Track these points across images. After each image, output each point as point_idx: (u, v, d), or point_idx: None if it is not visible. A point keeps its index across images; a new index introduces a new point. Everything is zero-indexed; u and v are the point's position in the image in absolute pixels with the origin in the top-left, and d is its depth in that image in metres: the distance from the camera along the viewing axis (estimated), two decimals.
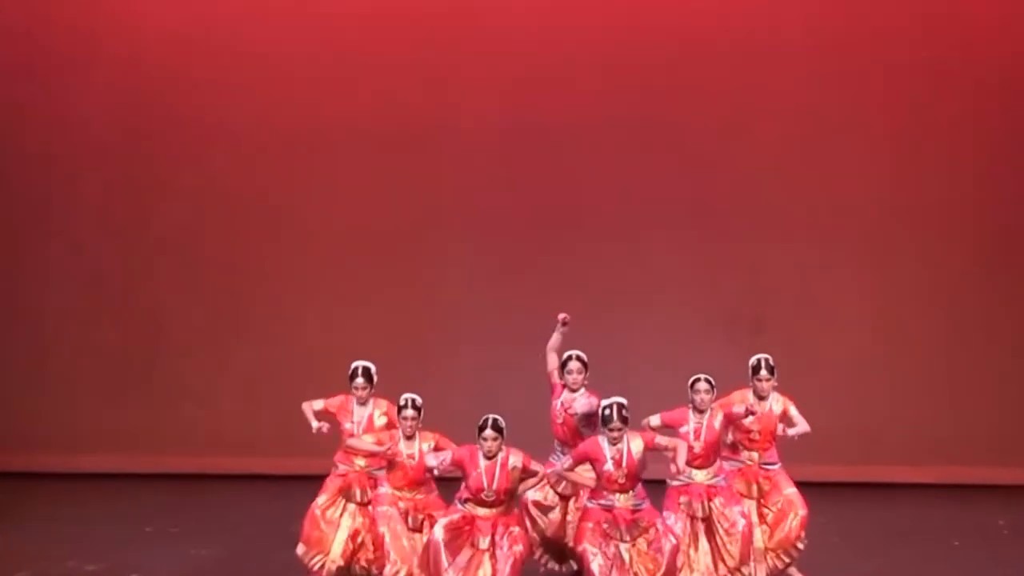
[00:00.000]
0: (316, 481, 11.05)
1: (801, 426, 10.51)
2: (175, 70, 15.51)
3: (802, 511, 10.51)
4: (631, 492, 9.85)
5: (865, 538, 12.84)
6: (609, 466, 9.73)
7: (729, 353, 11.81)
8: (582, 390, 10.61)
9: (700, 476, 10.29)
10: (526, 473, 9.93)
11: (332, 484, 10.88)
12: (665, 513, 10.16)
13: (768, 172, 15.47)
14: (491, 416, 9.89)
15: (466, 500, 9.95)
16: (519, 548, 9.87)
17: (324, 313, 15.57)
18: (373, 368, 10.80)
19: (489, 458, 9.81)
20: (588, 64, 15.46)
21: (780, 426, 10.47)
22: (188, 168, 15.71)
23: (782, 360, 10.73)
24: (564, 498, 10.78)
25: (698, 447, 10.15)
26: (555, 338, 10.68)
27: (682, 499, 10.24)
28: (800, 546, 10.56)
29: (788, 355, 11.24)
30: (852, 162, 15.45)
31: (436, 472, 10.15)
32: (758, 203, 15.45)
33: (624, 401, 9.91)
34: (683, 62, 15.41)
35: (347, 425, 10.77)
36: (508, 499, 9.96)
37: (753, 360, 10.64)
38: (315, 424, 10.73)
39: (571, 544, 10.45)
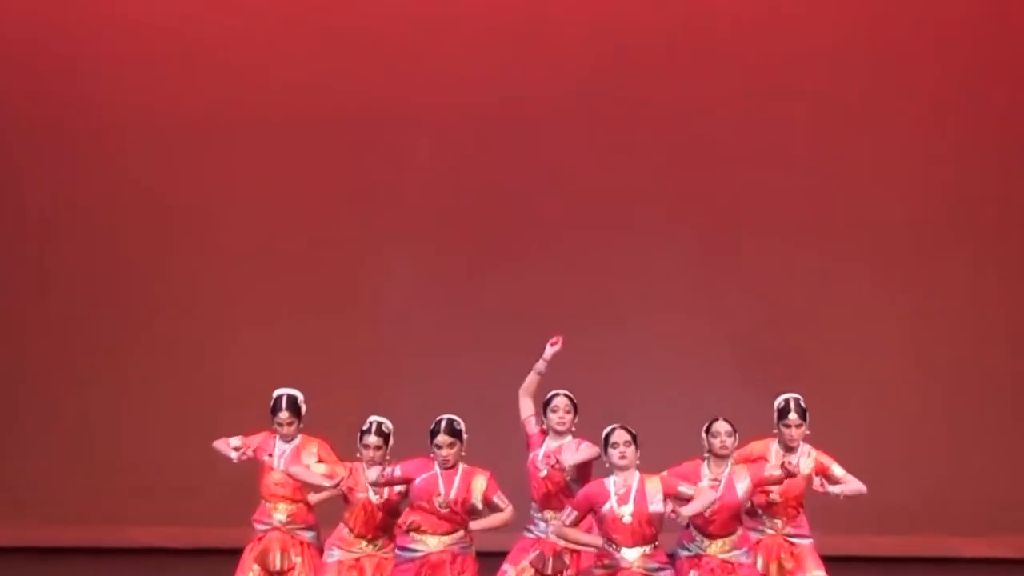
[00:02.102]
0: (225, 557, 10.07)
1: (852, 484, 9.48)
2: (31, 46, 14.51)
3: None
4: (645, 549, 8.68)
5: None
6: (612, 503, 8.67)
7: (743, 392, 11.22)
8: (569, 437, 9.43)
9: (714, 548, 9.05)
10: (487, 504, 9.04)
11: (249, 557, 9.69)
12: None
13: (791, 172, 14.43)
14: (445, 417, 9.12)
15: (412, 527, 9.04)
16: None
17: (235, 336, 14.38)
18: (300, 398, 9.79)
19: (446, 468, 9.02)
20: (573, 35, 14.46)
21: (817, 479, 9.42)
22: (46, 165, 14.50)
23: (808, 403, 9.73)
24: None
25: (709, 511, 8.99)
26: (532, 379, 9.58)
27: (694, 574, 9.03)
28: None
29: (815, 396, 10.16)
30: (892, 160, 14.43)
31: (377, 491, 9.18)
32: (778, 209, 14.43)
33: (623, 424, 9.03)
34: (693, 33, 14.47)
35: (266, 458, 9.72)
36: (464, 522, 9.04)
37: (779, 401, 9.55)
38: (234, 455, 9.78)
39: None
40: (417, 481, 8.96)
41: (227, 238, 14.41)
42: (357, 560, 9.25)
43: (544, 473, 9.37)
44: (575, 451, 9.28)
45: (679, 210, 14.30)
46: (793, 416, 9.39)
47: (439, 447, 9.00)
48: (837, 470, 9.43)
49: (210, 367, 14.25)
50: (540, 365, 9.49)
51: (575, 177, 14.37)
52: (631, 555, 8.66)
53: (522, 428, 9.53)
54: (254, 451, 9.72)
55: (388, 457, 9.23)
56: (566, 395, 9.44)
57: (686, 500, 8.67)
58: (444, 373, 13.95)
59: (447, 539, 9.00)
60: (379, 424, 9.28)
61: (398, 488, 9.13)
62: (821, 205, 14.33)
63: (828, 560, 9.60)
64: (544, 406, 9.46)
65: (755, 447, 9.49)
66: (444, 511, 8.94)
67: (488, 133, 14.36)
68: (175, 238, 14.47)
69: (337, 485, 9.26)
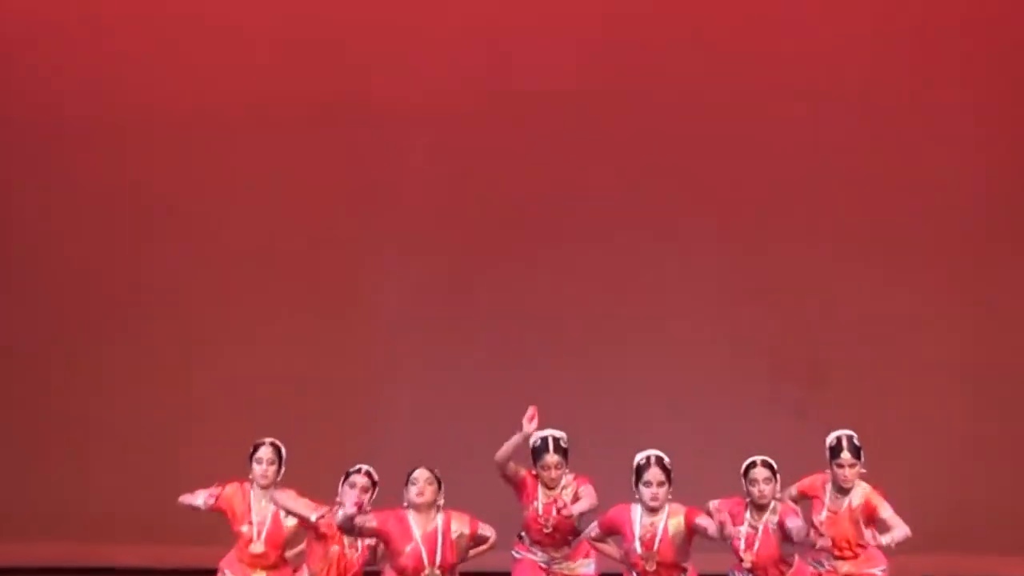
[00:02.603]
0: None
1: (899, 530, 9.04)
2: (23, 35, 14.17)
3: None
4: None
5: None
6: (636, 545, 8.59)
7: (774, 414, 10.96)
8: (565, 480, 9.19)
9: None
10: (474, 540, 8.68)
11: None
12: None
13: (826, 166, 13.87)
14: (420, 469, 8.71)
15: None
16: None
17: (222, 346, 13.82)
18: (282, 448, 9.43)
19: (419, 514, 8.59)
20: (577, 31, 14.01)
21: (869, 533, 9.15)
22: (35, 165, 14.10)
23: (849, 424, 9.50)
24: None
25: (748, 560, 8.77)
26: (507, 450, 9.20)
27: None
28: None
29: (856, 416, 9.92)
30: (931, 163, 13.79)
31: (352, 544, 8.85)
32: (812, 208, 13.88)
33: (660, 453, 8.85)
34: (712, 29, 13.97)
35: (243, 528, 9.28)
36: (455, 572, 8.75)
37: (831, 439, 9.27)
38: (200, 501, 9.35)
39: None
40: (405, 552, 8.53)
41: (221, 238, 13.96)
42: None
43: (549, 529, 9.20)
44: (575, 497, 9.06)
45: (698, 210, 13.79)
46: (846, 455, 9.12)
47: (420, 495, 8.60)
48: (884, 511, 9.13)
49: (196, 378, 13.85)
50: (519, 439, 9.10)
51: (586, 178, 13.82)
52: None
53: (507, 478, 9.27)
54: (227, 508, 9.30)
55: (368, 508, 8.79)
56: (556, 446, 9.12)
57: (705, 534, 8.48)
58: (443, 376, 13.53)
59: None
60: (368, 470, 8.94)
61: (367, 541, 8.78)
62: (852, 209, 13.81)
63: None
64: (533, 456, 9.18)
65: (807, 485, 9.29)
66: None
67: (490, 132, 13.88)
68: (167, 237, 14.06)
69: (319, 520, 8.82)
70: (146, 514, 13.50)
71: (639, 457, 8.84)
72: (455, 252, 13.81)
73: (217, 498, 9.27)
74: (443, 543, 8.50)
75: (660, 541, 8.46)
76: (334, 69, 13.89)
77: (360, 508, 8.56)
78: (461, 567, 8.71)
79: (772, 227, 13.79)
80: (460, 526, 8.57)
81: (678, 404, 13.34)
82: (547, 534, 9.11)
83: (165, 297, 13.92)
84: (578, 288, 13.66)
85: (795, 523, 8.65)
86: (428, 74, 13.88)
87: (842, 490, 9.13)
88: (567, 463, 9.10)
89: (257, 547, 9.14)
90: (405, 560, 8.45)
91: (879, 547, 9.04)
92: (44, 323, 14.00)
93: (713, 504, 8.88)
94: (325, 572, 8.84)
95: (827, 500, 9.13)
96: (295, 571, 9.23)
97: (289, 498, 8.96)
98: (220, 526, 9.55)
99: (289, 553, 9.17)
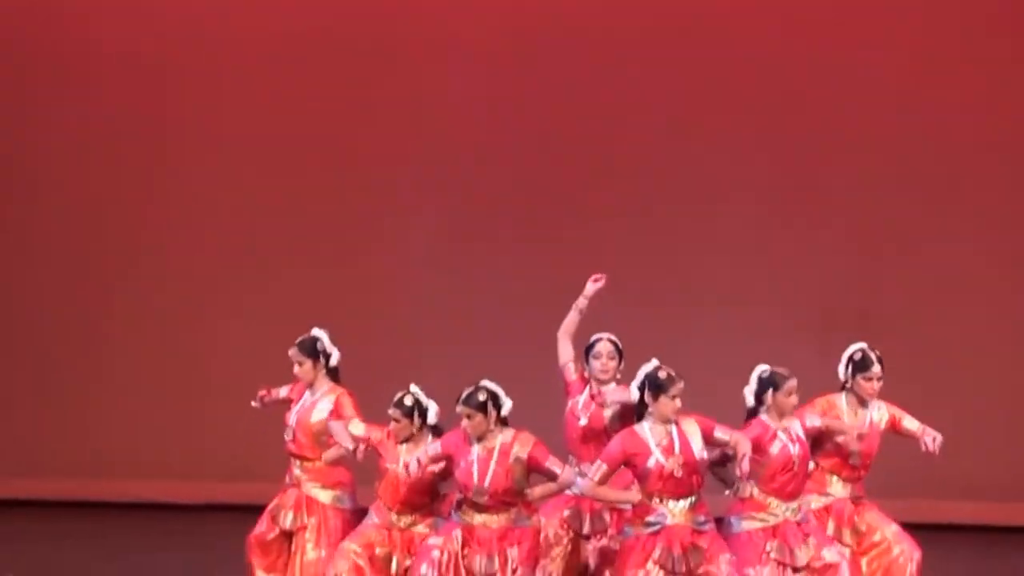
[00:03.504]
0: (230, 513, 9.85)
1: (934, 432, 8.92)
2: None
3: (916, 553, 8.90)
4: (690, 499, 8.21)
5: None
6: (657, 457, 8.15)
7: (820, 363, 9.94)
8: (613, 385, 8.89)
9: (788, 511, 8.45)
10: (537, 470, 8.29)
11: (267, 511, 9.22)
12: (747, 570, 8.36)
13: (876, 113, 13.67)
14: (470, 388, 8.31)
15: (460, 505, 8.40)
16: (522, 573, 8.29)
17: (226, 285, 13.89)
18: (321, 340, 9.19)
19: (479, 441, 8.27)
20: None
21: (929, 438, 8.90)
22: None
23: (900, 372, 9.26)
24: (583, 536, 8.94)
25: (797, 462, 8.47)
26: (572, 318, 9.01)
27: (771, 545, 8.39)
28: None
29: (906, 365, 9.81)
30: (993, 106, 13.63)
31: (415, 471, 8.35)
32: (857, 160, 13.67)
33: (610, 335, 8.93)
34: None
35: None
36: (512, 504, 8.31)
37: (855, 352, 9.00)
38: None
39: None
40: (460, 466, 8.29)
41: (237, 171, 13.92)
42: (389, 531, 8.66)
43: (584, 422, 8.92)
44: (623, 394, 8.70)
45: (746, 160, 13.67)
46: (877, 368, 8.88)
47: (468, 419, 8.28)
48: (910, 421, 8.97)
49: (211, 313, 13.83)
50: (581, 302, 8.99)
51: (631, 122, 13.71)
52: (677, 508, 8.21)
53: (560, 374, 9.03)
54: (286, 396, 9.26)
55: (416, 432, 8.58)
56: (610, 340, 8.97)
57: (721, 446, 8.25)
58: (468, 335, 13.40)
59: (495, 518, 8.32)
60: (401, 397, 8.57)
61: (435, 467, 8.45)
62: (904, 157, 13.66)
63: (911, 527, 9.17)
64: (586, 352, 8.99)
65: (821, 408, 8.91)
66: (483, 500, 8.27)
67: (519, 76, 13.74)
68: (181, 168, 14.00)
69: (355, 451, 8.63)
70: (161, 449, 13.66)
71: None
72: (484, 192, 13.70)
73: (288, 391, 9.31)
74: (496, 464, 8.25)
75: (680, 443, 8.21)
76: (364, 8, 13.82)
77: (425, 464, 8.34)
78: (534, 503, 8.42)
79: (821, 178, 13.69)
80: (519, 450, 8.29)
81: (725, 357, 12.79)
82: (582, 428, 8.88)
83: (180, 231, 13.93)
84: (619, 235, 13.58)
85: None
86: (460, 17, 13.75)
87: (862, 405, 8.97)
88: (620, 364, 8.92)
89: (288, 433, 9.08)
90: (460, 475, 8.28)
91: (929, 452, 8.87)
92: (56, 257, 14.04)
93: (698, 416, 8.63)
94: (382, 490, 8.64)
95: (846, 418, 8.94)
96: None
97: (339, 429, 8.83)
98: (233, 460, 9.43)
99: (327, 455, 9.00)
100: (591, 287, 9.02)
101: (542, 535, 8.72)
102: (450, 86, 13.75)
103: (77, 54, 13.95)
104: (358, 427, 8.77)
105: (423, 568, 8.22)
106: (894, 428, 8.96)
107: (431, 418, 8.55)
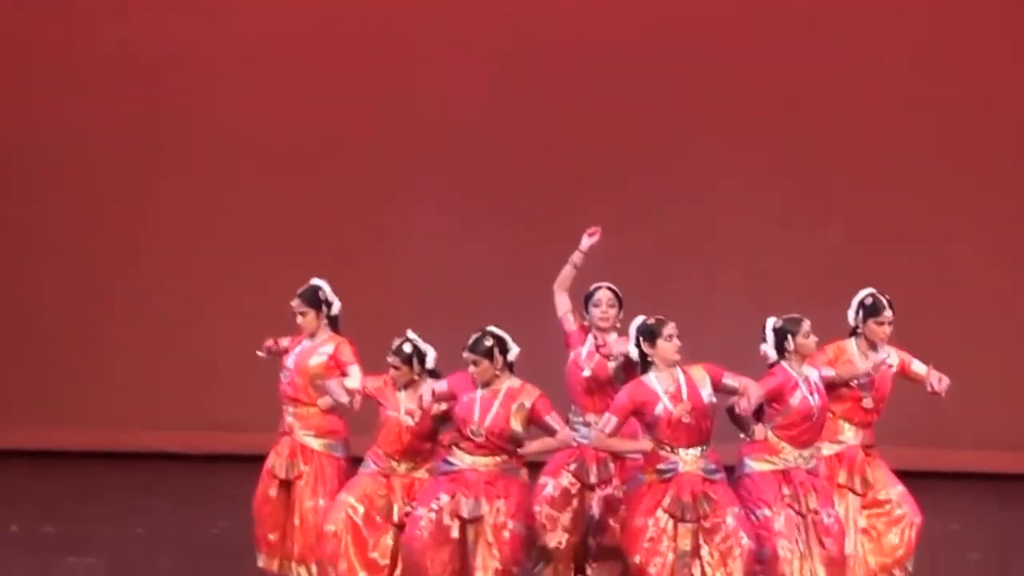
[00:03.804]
0: (233, 464, 9.75)
1: (939, 374, 8.91)
2: None
3: (918, 518, 8.91)
4: (701, 447, 8.13)
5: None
6: (665, 404, 8.06)
7: (825, 317, 9.88)
8: (614, 335, 8.80)
9: (800, 459, 8.36)
10: (537, 422, 8.21)
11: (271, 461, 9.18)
12: (760, 511, 8.30)
13: (886, 77, 13.61)
14: (478, 333, 8.28)
15: (453, 445, 8.33)
16: (514, 527, 8.20)
17: (226, 238, 13.80)
18: (322, 289, 9.19)
19: (485, 386, 8.22)
20: None
21: (935, 376, 8.88)
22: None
23: (909, 324, 9.24)
24: (588, 487, 8.87)
25: (817, 412, 8.38)
26: (567, 272, 8.98)
27: (787, 490, 8.34)
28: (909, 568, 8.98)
29: (912, 319, 9.54)
30: (1002, 58, 13.63)
31: (420, 409, 8.34)
32: (870, 120, 13.60)
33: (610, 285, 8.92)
34: None
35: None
36: (505, 449, 8.23)
37: (866, 296, 8.94)
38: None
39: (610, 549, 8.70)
40: (458, 406, 8.21)
41: (245, 164, 13.79)
42: (388, 478, 8.54)
43: (587, 372, 8.81)
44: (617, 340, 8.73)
45: (753, 120, 13.57)
46: (889, 312, 8.83)
47: (473, 365, 8.23)
48: (918, 366, 8.94)
49: (212, 264, 13.73)
50: (576, 257, 8.93)
51: (643, 85, 13.57)
52: (688, 456, 8.12)
53: (559, 326, 8.95)
54: (289, 346, 9.18)
55: (416, 378, 8.48)
56: (609, 288, 8.89)
57: (731, 392, 8.13)
58: (475, 293, 13.22)
59: (485, 460, 8.19)
60: (400, 344, 8.47)
61: (438, 408, 8.38)
62: (917, 117, 13.57)
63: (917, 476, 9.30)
64: (585, 301, 8.91)
65: (833, 353, 8.87)
66: (479, 439, 8.17)
67: (524, 57, 13.65)
68: (186, 116, 13.90)
69: (351, 403, 8.59)
70: (165, 399, 13.60)
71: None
72: (485, 190, 13.57)
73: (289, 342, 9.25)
74: (500, 406, 8.17)
75: (688, 390, 8.12)
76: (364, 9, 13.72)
77: (428, 399, 8.28)
78: (526, 456, 8.30)
79: (836, 141, 13.57)
80: (525, 398, 8.20)
81: (731, 316, 12.97)
82: (585, 379, 8.78)
83: (179, 230, 13.77)
84: (630, 183, 13.50)
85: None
86: (459, 17, 13.66)
87: (873, 349, 8.89)
88: (620, 312, 8.82)
89: (284, 375, 9.03)
90: (461, 410, 8.21)
91: (938, 394, 8.85)
92: (57, 256, 13.93)
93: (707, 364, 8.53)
94: (382, 438, 8.53)
95: (858, 362, 8.87)
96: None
97: (333, 384, 8.77)
98: (236, 412, 9.35)
99: (322, 403, 8.94)
100: (587, 241, 8.93)
101: (553, 493, 8.72)
102: (450, 85, 13.66)
103: (77, 54, 13.82)
104: (354, 379, 8.72)
105: (416, 536, 8.13)
106: (903, 372, 8.91)
107: (429, 363, 8.44)
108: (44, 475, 13.00)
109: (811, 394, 8.26)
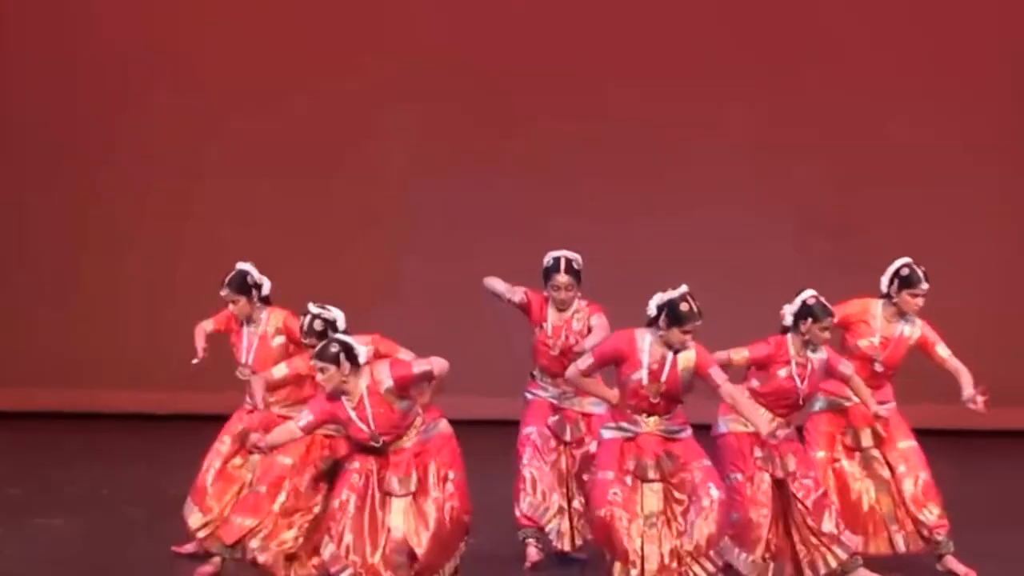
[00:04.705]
0: (207, 423, 9.36)
1: (965, 375, 8.78)
2: None
3: (923, 473, 8.83)
4: (664, 415, 8.06)
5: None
6: (642, 375, 7.93)
7: (798, 264, 10.65)
8: (577, 304, 8.79)
9: (775, 424, 8.28)
10: (410, 384, 7.95)
11: (230, 426, 9.01)
12: (733, 475, 8.27)
13: (863, 14, 13.34)
14: (329, 339, 7.98)
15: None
16: (452, 505, 8.00)
17: (217, 195, 13.57)
18: (251, 275, 8.94)
19: (343, 395, 7.94)
20: None
21: (980, 400, 8.70)
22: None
23: (873, 281, 8.98)
24: (563, 442, 8.93)
25: (802, 397, 8.32)
26: (495, 287, 8.97)
27: (759, 452, 8.30)
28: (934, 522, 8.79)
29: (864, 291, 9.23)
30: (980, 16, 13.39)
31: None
32: (842, 57, 13.36)
33: (569, 255, 8.79)
34: None
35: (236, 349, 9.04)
36: (409, 425, 8.02)
37: (902, 267, 8.79)
38: (199, 351, 9.04)
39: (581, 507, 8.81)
40: (349, 429, 7.99)
41: (215, 84, 13.51)
42: (330, 438, 8.42)
43: (556, 352, 8.83)
44: (586, 324, 8.74)
45: (731, 66, 13.36)
46: (925, 285, 8.73)
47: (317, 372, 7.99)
48: (943, 349, 8.83)
49: (191, 226, 13.54)
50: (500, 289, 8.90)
51: (608, 35, 13.38)
52: (651, 420, 8.04)
53: (509, 303, 8.90)
54: (215, 329, 9.03)
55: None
56: (567, 266, 8.76)
57: (710, 386, 7.94)
58: (449, 245, 13.18)
59: (403, 442, 8.01)
60: (312, 318, 8.24)
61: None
62: (890, 56, 13.39)
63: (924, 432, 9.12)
64: (544, 276, 8.81)
65: (853, 309, 8.80)
66: (382, 443, 7.98)
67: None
68: (165, 81, 13.61)
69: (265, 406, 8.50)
70: (141, 360, 13.43)
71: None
72: (465, 100, 13.35)
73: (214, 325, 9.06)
74: (372, 407, 7.94)
75: (668, 372, 7.98)
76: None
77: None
78: (435, 407, 8.11)
79: (804, 76, 13.37)
80: (384, 380, 7.93)
81: (705, 257, 12.98)
82: (554, 357, 8.78)
83: (162, 141, 13.55)
84: (599, 130, 13.27)
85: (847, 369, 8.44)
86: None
87: (898, 317, 8.81)
88: (579, 286, 8.77)
89: (243, 373, 8.85)
90: (354, 432, 7.99)
91: (975, 406, 8.71)
92: (39, 175, 13.72)
93: (741, 352, 8.35)
94: (298, 455, 8.40)
95: (877, 326, 8.83)
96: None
97: (257, 382, 8.52)
98: (207, 373, 9.27)
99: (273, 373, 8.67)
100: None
101: (537, 440, 8.75)
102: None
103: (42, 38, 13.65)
104: (280, 369, 8.51)
105: (344, 493, 7.97)
106: (925, 350, 8.82)
107: (340, 325, 8.23)
108: (9, 436, 12.86)
109: (800, 378, 8.21)
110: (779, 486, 8.31)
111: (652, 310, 7.92)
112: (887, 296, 8.80)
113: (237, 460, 8.93)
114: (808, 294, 8.23)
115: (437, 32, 13.35)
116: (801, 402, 8.28)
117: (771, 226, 13.19)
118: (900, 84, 13.29)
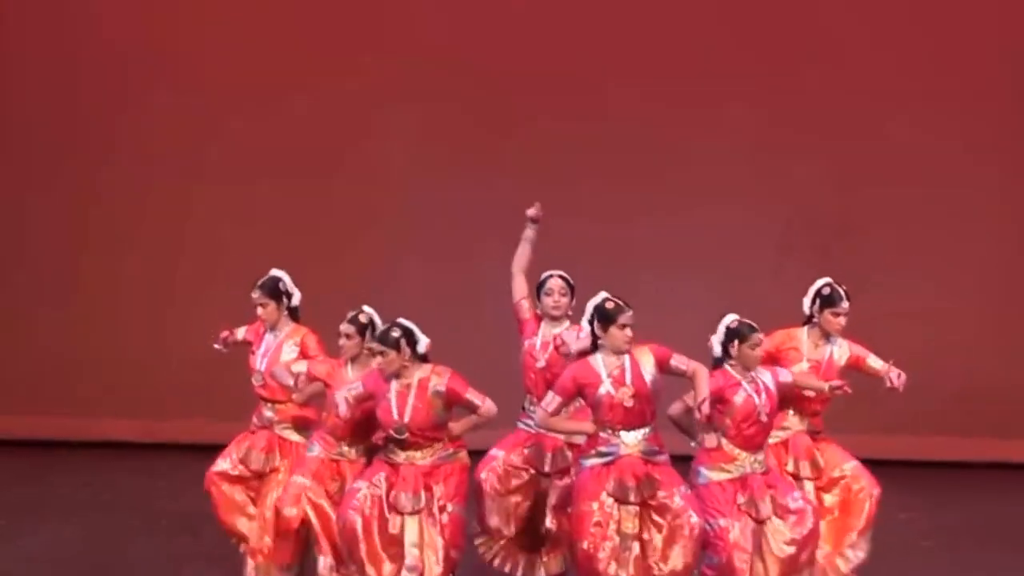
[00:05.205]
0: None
1: (894, 369, 8.73)
2: None
3: (876, 489, 8.82)
4: (643, 430, 8.05)
5: (973, 539, 10.69)
6: (607, 387, 8.01)
7: (776, 285, 10.48)
8: (567, 323, 8.79)
9: (756, 463, 8.25)
10: (457, 402, 8.12)
11: (233, 448, 9.05)
12: (716, 521, 8.15)
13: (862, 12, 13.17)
14: (384, 325, 8.19)
15: (385, 442, 8.30)
16: (453, 511, 8.18)
17: (218, 214, 13.45)
18: (283, 281, 9.01)
19: (396, 379, 8.11)
20: None
21: (895, 373, 8.70)
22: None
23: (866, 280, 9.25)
24: (542, 474, 8.83)
25: (764, 413, 8.20)
26: (523, 250, 8.94)
27: (742, 499, 8.20)
28: (866, 545, 8.86)
29: (863, 292, 9.43)
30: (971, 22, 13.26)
31: (344, 413, 8.23)
32: (842, 57, 13.21)
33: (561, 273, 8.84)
34: None
35: (252, 355, 9.05)
36: (436, 439, 8.19)
37: (823, 287, 8.84)
38: (217, 344, 9.15)
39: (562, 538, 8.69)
40: (381, 404, 8.10)
41: (215, 83, 13.43)
42: (337, 463, 8.50)
43: (542, 364, 8.76)
44: (576, 338, 8.54)
45: (725, 56, 13.23)
46: (845, 304, 8.73)
47: (370, 351, 8.17)
48: (874, 360, 8.80)
49: (191, 226, 13.45)
50: (528, 233, 8.91)
51: (608, 35, 13.25)
52: (630, 439, 8.05)
53: (513, 311, 8.91)
54: (244, 338, 9.06)
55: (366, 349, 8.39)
56: (561, 276, 8.83)
57: (679, 375, 8.01)
58: (449, 245, 13.11)
59: (419, 454, 8.13)
60: (353, 316, 8.44)
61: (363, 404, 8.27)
62: (894, 66, 13.23)
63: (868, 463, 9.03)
64: (537, 289, 8.85)
65: (778, 337, 8.78)
66: (403, 436, 8.09)
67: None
68: (159, 83, 13.54)
69: (296, 384, 8.58)
70: (136, 388, 13.33)
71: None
72: (470, 106, 13.26)
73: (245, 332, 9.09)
74: (416, 399, 8.08)
75: (631, 373, 8.02)
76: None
77: (351, 405, 8.19)
78: (462, 438, 8.22)
79: (804, 77, 13.24)
80: (437, 382, 8.10)
81: (691, 255, 12.98)
82: (540, 370, 8.71)
83: (162, 141, 13.46)
84: (599, 129, 13.18)
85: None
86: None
87: (824, 339, 8.79)
88: (572, 300, 8.75)
89: (257, 379, 8.89)
90: (381, 413, 8.11)
91: (894, 389, 8.63)
92: (39, 175, 13.63)
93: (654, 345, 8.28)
94: (329, 421, 8.46)
95: (805, 350, 8.80)
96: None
97: (282, 372, 8.70)
98: (207, 401, 9.22)
99: (297, 398, 8.79)
100: (532, 211, 8.88)
101: (499, 468, 8.67)
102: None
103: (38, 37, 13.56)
104: (301, 363, 8.62)
105: (350, 514, 8.03)
106: (857, 366, 8.80)
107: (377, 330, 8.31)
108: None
109: (757, 393, 8.11)
110: (759, 526, 8.24)
111: (585, 328, 8.05)
112: (810, 319, 8.78)
113: (235, 472, 8.91)
114: (730, 319, 8.18)
115: (437, 32, 13.27)
116: (765, 417, 8.17)
117: (769, 226, 13.09)
118: (900, 84, 13.15)
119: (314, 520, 8.38)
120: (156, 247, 13.46)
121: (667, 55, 13.22)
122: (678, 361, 8.01)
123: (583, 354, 8.22)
